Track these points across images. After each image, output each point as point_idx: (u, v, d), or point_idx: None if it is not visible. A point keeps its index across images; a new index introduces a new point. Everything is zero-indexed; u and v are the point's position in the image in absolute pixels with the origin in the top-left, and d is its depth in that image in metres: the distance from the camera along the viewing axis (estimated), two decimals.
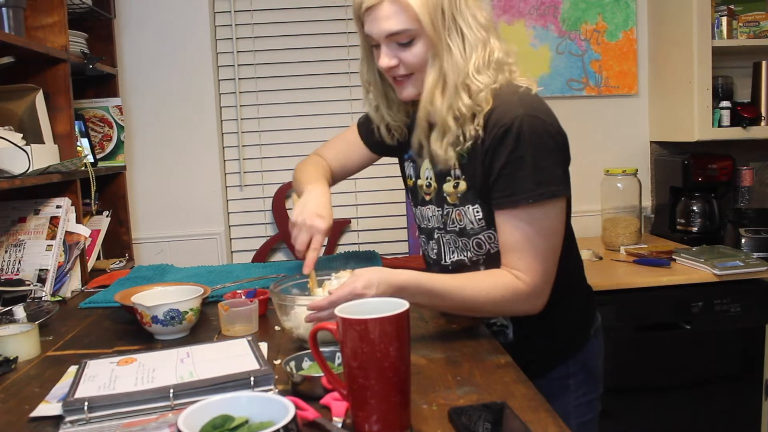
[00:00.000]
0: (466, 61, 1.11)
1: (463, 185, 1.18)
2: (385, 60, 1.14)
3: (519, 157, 1.08)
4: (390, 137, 1.31)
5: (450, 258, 1.25)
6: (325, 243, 1.27)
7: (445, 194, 1.21)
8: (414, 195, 1.33)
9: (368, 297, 0.98)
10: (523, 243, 1.10)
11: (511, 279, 1.11)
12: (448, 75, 1.11)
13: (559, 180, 1.10)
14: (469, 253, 1.22)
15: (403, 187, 1.40)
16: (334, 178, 1.49)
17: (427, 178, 1.26)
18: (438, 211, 1.25)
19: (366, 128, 1.43)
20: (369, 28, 1.14)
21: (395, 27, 1.10)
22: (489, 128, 1.11)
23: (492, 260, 1.18)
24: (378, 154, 1.46)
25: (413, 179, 1.32)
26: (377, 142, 1.39)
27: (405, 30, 1.10)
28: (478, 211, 1.17)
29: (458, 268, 1.24)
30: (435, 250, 1.28)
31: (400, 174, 1.41)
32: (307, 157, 1.53)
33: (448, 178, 1.20)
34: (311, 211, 1.28)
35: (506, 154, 1.08)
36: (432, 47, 1.11)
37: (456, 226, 1.21)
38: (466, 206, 1.18)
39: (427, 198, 1.27)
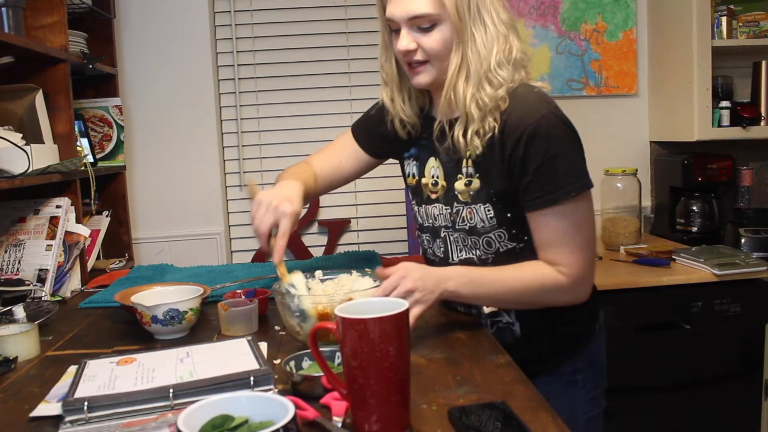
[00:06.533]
0: (488, 52, 1.11)
1: (476, 183, 1.18)
2: (404, 43, 1.13)
3: (554, 154, 1.09)
4: (403, 130, 1.29)
5: (458, 256, 1.24)
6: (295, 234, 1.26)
7: (456, 192, 1.21)
8: (417, 193, 1.31)
9: (417, 293, 1.06)
10: (562, 238, 1.12)
11: (550, 271, 1.13)
12: (472, 63, 1.11)
13: (587, 172, 1.15)
14: (478, 252, 1.21)
15: (403, 186, 1.38)
16: (321, 186, 1.43)
17: (433, 177, 1.25)
18: (446, 209, 1.24)
19: (362, 131, 1.41)
20: (392, 10, 1.13)
21: (421, 10, 1.10)
22: (510, 130, 1.11)
23: (501, 259, 1.19)
24: (375, 157, 1.42)
25: (416, 177, 1.30)
26: (375, 144, 1.38)
27: (429, 14, 1.10)
28: (489, 210, 1.17)
29: (466, 266, 1.24)
30: (441, 249, 1.27)
31: (400, 174, 1.40)
32: (295, 164, 1.47)
33: (459, 176, 1.20)
34: (281, 195, 1.22)
35: (541, 154, 1.09)
36: (456, 34, 1.11)
37: (466, 225, 1.21)
38: (478, 205, 1.18)
39: (433, 196, 1.26)
